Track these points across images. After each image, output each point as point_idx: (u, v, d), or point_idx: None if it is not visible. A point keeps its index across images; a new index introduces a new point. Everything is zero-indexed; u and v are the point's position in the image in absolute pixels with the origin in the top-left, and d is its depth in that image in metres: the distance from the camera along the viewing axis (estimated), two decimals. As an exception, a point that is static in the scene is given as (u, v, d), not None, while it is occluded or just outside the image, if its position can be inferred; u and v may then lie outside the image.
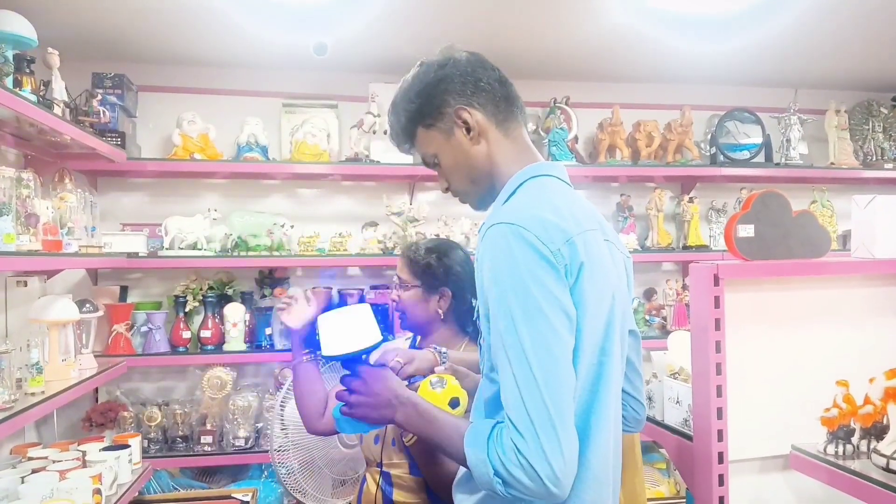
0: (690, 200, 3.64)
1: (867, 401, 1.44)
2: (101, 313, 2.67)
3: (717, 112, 3.69)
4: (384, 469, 1.78)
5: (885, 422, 1.41)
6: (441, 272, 1.85)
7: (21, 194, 1.98)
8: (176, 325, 3.10)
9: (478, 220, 3.25)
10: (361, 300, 3.22)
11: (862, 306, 1.68)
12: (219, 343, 3.10)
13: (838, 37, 3.02)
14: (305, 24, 2.75)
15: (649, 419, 1.80)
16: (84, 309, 2.49)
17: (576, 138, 3.52)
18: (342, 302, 3.25)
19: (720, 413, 1.51)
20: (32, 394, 2.05)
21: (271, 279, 3.33)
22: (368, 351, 1.24)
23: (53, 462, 2.18)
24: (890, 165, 3.74)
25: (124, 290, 3.19)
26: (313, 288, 3.35)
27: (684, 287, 3.46)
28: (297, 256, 3.15)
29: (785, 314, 1.62)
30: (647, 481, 3.12)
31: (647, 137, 3.54)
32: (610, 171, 3.53)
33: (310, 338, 1.89)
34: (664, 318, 3.53)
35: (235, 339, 3.09)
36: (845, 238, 3.66)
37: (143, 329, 3.06)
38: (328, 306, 1.85)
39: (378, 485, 1.79)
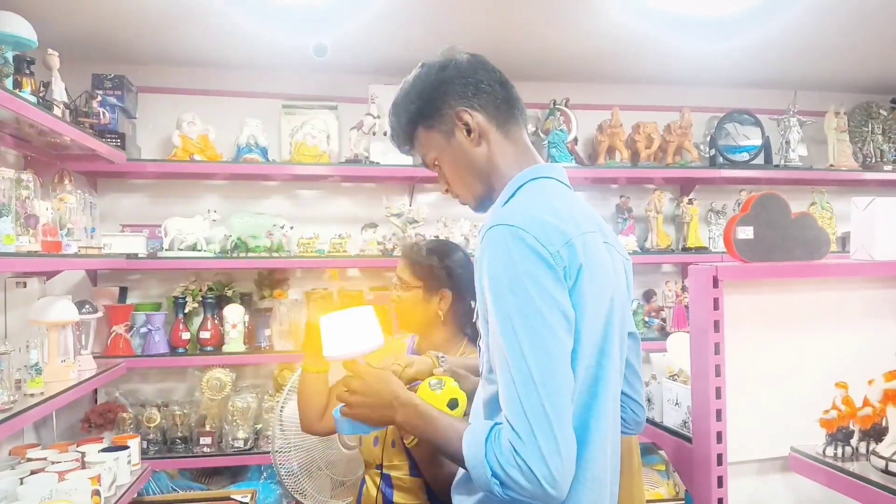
0: (690, 202, 3.64)
1: (866, 403, 1.44)
2: (100, 314, 2.66)
3: (717, 114, 3.69)
4: (384, 471, 1.78)
5: (884, 424, 1.41)
6: (442, 274, 1.85)
7: (21, 195, 1.98)
8: (175, 326, 3.10)
9: (477, 222, 3.25)
10: None
11: (861, 308, 1.67)
12: (218, 344, 3.10)
13: (838, 38, 3.02)
14: (305, 25, 2.75)
15: (648, 421, 1.79)
16: (83, 310, 2.49)
17: (575, 140, 3.53)
18: None
19: (719, 415, 1.51)
20: (31, 395, 2.05)
21: (270, 280, 3.33)
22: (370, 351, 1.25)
23: (52, 463, 2.18)
24: (889, 167, 3.74)
25: (124, 292, 3.19)
26: (313, 289, 3.36)
27: (683, 289, 3.46)
28: (297, 258, 3.15)
29: (784, 316, 1.62)
30: (647, 483, 3.11)
31: (647, 139, 3.54)
32: (609, 172, 3.53)
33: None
34: (663, 320, 3.53)
35: (235, 341, 3.09)
36: (844, 240, 3.65)
37: (143, 330, 3.06)
38: None
39: (378, 487, 1.79)
